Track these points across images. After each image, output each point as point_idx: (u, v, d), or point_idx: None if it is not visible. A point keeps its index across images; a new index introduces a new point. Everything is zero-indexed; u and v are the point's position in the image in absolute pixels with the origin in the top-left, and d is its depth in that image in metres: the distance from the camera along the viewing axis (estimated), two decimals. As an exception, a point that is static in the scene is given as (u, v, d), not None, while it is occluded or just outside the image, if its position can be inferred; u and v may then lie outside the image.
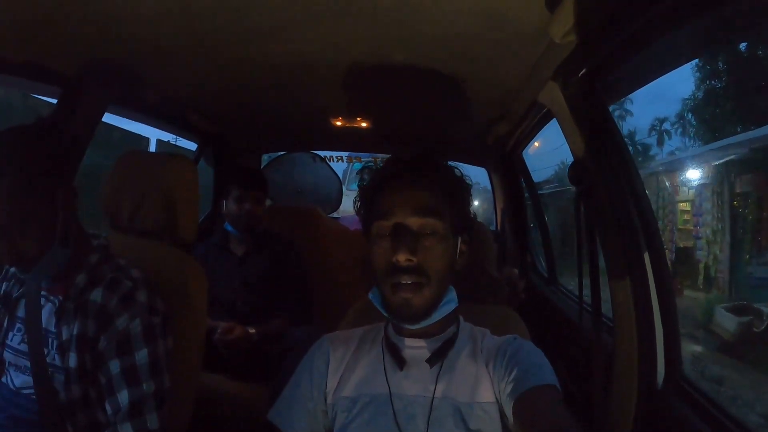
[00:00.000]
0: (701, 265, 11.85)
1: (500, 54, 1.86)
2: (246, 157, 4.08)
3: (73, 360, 1.48)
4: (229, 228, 3.04)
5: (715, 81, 19.77)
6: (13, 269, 1.69)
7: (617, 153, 1.72)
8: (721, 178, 11.17)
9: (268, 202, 3.29)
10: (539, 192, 4.25)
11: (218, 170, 3.95)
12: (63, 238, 1.49)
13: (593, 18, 1.39)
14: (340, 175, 4.46)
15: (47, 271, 1.50)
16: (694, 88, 21.20)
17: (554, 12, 1.44)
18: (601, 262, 1.74)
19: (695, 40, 1.35)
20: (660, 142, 30.14)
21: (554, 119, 2.00)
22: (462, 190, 1.40)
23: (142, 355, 1.48)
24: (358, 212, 1.43)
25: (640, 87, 1.72)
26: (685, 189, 12.88)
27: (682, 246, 12.80)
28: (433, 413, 1.26)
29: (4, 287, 1.68)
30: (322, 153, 4.31)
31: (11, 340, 1.58)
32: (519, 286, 2.77)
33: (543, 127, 2.67)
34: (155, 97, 2.64)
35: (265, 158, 4.47)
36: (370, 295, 1.36)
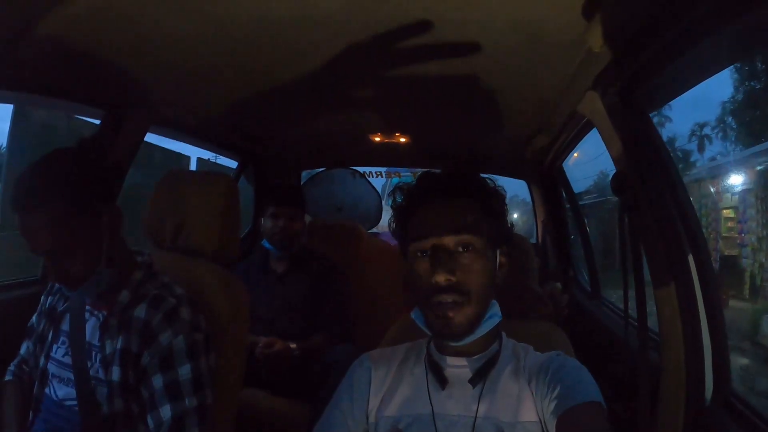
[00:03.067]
0: (747, 274, 11.59)
1: (538, 65, 1.86)
2: (286, 175, 4.12)
3: (116, 374, 1.50)
4: (267, 245, 3.04)
5: (754, 82, 19.39)
6: (57, 285, 1.72)
7: (660, 162, 1.69)
8: (765, 182, 10.94)
9: (307, 219, 3.30)
10: (579, 203, 4.20)
11: (258, 188, 3.99)
12: (109, 258, 1.52)
13: (631, 25, 1.38)
14: (379, 191, 4.47)
15: (94, 290, 1.53)
16: (733, 91, 20.83)
17: (591, 21, 1.42)
18: (647, 275, 1.71)
19: (736, 43, 1.31)
20: (701, 148, 29.63)
21: (594, 129, 1.98)
22: (497, 201, 1.38)
23: (185, 371, 1.50)
24: (393, 233, 1.42)
25: (681, 93, 1.67)
26: (728, 195, 12.63)
27: (726, 254, 12.54)
28: None
29: (49, 301, 1.72)
30: (361, 169, 4.34)
31: (55, 353, 1.61)
32: (562, 301, 2.73)
33: (582, 138, 2.63)
34: (195, 118, 2.68)
35: (305, 175, 4.49)
36: (412, 315, 1.35)
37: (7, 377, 1.75)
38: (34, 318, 1.75)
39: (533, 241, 4.24)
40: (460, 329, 1.26)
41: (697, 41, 1.28)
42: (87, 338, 1.56)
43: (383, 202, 4.43)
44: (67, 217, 1.43)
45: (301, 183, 4.38)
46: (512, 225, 1.44)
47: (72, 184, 1.46)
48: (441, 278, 1.24)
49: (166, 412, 1.47)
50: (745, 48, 1.41)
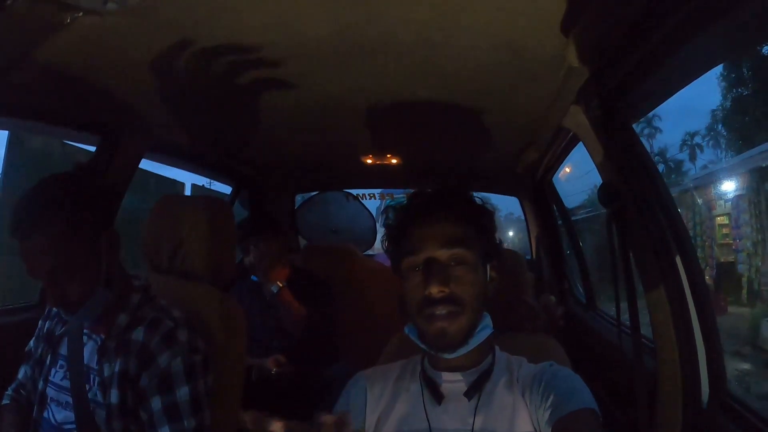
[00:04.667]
0: (744, 279, 11.61)
1: (522, 83, 1.88)
2: (280, 199, 4.15)
3: (114, 396, 1.51)
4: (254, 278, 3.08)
5: (741, 89, 19.56)
6: (55, 309, 1.73)
7: (645, 171, 1.72)
8: (756, 187, 10.98)
9: (302, 242, 3.30)
10: (573, 218, 4.22)
11: (253, 212, 4.00)
12: (107, 282, 1.53)
13: (609, 38, 1.41)
14: (374, 213, 4.49)
15: (92, 314, 1.53)
16: (721, 99, 21.00)
17: (569, 36, 1.45)
18: (639, 285, 1.73)
19: (714, 48, 1.33)
20: (692, 157, 29.77)
21: (581, 143, 2.01)
22: (485, 217, 1.41)
23: (183, 393, 1.51)
24: (386, 251, 1.45)
25: (662, 101, 1.69)
26: (722, 202, 12.67)
27: (722, 261, 12.55)
28: None
29: (47, 325, 1.73)
30: (354, 191, 4.36)
31: (54, 377, 1.62)
32: (557, 313, 2.75)
33: (570, 151, 2.67)
34: (189, 143, 2.71)
35: (299, 199, 4.51)
36: (406, 329, 1.37)
37: (5, 401, 1.77)
38: (31, 342, 1.76)
39: (528, 257, 4.27)
40: (454, 340, 1.28)
41: (675, 49, 1.31)
42: (85, 361, 1.57)
43: (377, 224, 4.45)
44: (65, 242, 1.45)
45: (296, 207, 4.41)
46: (501, 241, 1.47)
47: (69, 208, 1.47)
48: (434, 290, 1.26)
49: None
50: (726, 50, 1.44)
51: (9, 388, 1.79)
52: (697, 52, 1.32)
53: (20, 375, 1.78)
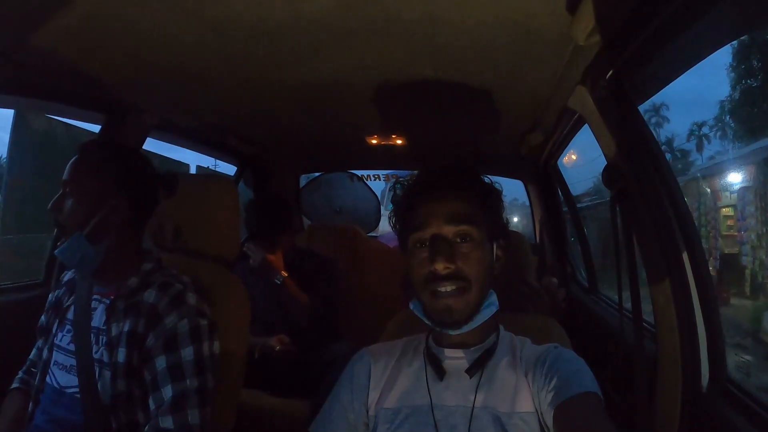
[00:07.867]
0: (747, 272, 11.57)
1: (527, 62, 1.87)
2: (284, 179, 4.15)
3: (121, 355, 1.53)
4: None
5: (750, 80, 19.48)
6: (66, 277, 1.79)
7: (650, 153, 1.70)
8: (763, 179, 10.93)
9: (306, 222, 3.29)
10: (579, 205, 4.20)
11: (257, 192, 4.00)
12: (92, 234, 1.57)
13: (615, 16, 1.39)
14: (378, 195, 4.49)
15: (69, 251, 1.56)
16: (730, 90, 20.93)
17: (575, 14, 1.44)
18: (641, 268, 1.72)
19: (721, 28, 1.33)
20: (699, 147, 29.66)
21: (586, 125, 2.00)
22: (493, 196, 1.42)
23: (187, 353, 1.53)
24: (393, 227, 1.45)
25: (669, 83, 1.69)
26: (727, 194, 12.62)
27: (727, 252, 12.52)
28: (474, 423, 1.27)
29: (56, 294, 1.77)
30: (359, 172, 4.36)
31: (60, 341, 1.64)
32: (559, 295, 2.75)
33: (576, 133, 2.65)
34: (194, 122, 2.71)
35: (303, 179, 4.51)
36: (411, 306, 1.38)
37: (15, 384, 1.80)
38: (43, 317, 1.78)
39: (533, 241, 4.26)
40: (460, 317, 1.29)
41: (682, 27, 1.30)
42: (95, 323, 1.59)
43: (382, 207, 4.45)
44: (101, 174, 1.60)
45: (300, 187, 4.42)
46: (507, 221, 1.47)
47: (123, 158, 1.66)
48: (440, 266, 1.27)
49: (167, 392, 1.49)
50: (728, 33, 1.42)
51: (20, 371, 1.82)
52: (703, 32, 1.31)
53: (32, 354, 1.81)
